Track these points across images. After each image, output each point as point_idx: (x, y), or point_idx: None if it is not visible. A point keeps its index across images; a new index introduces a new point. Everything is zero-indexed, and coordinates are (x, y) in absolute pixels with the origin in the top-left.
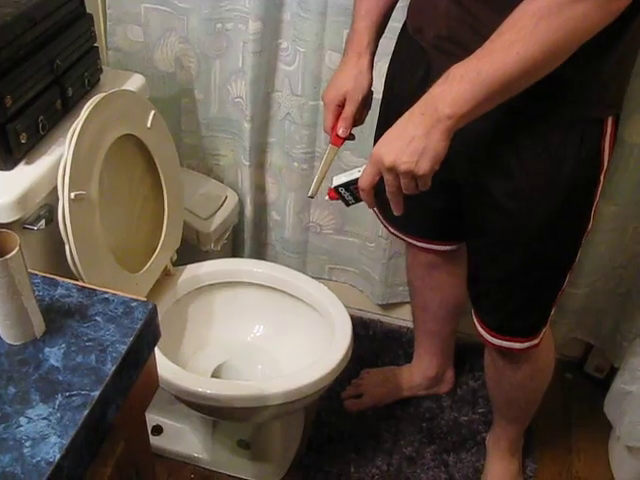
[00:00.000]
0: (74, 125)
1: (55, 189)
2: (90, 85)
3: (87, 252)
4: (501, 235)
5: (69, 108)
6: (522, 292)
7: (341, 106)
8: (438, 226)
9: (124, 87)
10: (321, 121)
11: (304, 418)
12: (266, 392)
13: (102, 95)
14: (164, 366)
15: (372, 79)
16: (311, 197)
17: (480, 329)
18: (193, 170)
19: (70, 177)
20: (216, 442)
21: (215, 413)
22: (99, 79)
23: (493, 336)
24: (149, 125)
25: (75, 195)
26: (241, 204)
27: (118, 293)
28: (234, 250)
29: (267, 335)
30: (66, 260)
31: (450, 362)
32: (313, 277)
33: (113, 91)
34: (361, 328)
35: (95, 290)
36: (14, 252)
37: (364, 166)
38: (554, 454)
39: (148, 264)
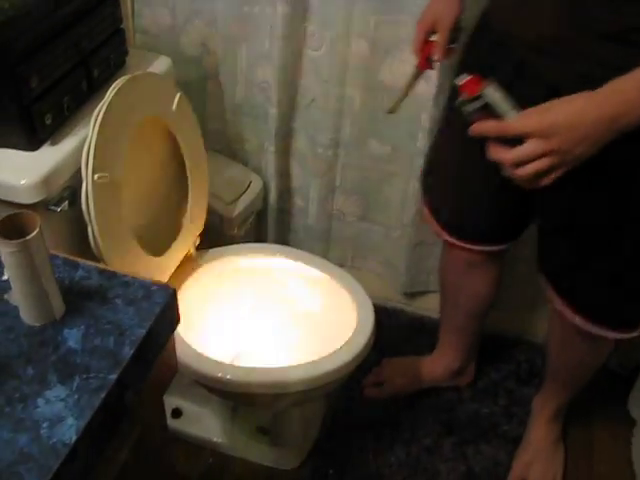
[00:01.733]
0: (99, 106)
1: (79, 171)
2: (116, 67)
3: (109, 234)
4: (614, 217)
5: (95, 89)
6: (634, 281)
7: (433, 32)
8: (501, 226)
9: (150, 69)
10: (347, 109)
11: (324, 405)
12: (287, 379)
13: (128, 77)
14: (184, 350)
15: (462, 9)
16: (389, 112)
17: (572, 316)
18: (218, 153)
19: (94, 159)
20: (235, 427)
21: (234, 398)
22: (125, 61)
23: (590, 324)
24: (174, 108)
25: (99, 177)
26: (265, 189)
27: (138, 277)
28: (257, 235)
29: (288, 320)
30: (89, 242)
31: (474, 356)
32: (336, 264)
33: (139, 73)
34: (384, 317)
35: (115, 273)
36: (34, 233)
37: (513, 111)
38: (575, 450)
39: (171, 248)
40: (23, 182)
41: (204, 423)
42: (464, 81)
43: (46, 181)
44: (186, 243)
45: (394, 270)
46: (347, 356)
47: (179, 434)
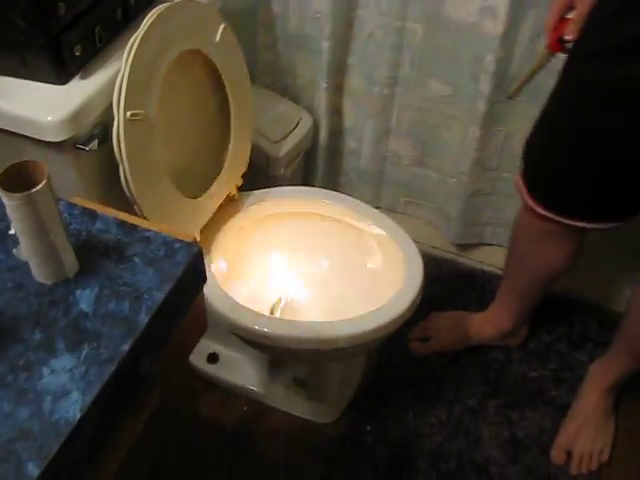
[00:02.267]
0: (133, 38)
1: (111, 107)
2: None
3: (143, 176)
4: None
5: (130, 18)
6: None
7: (569, 7)
8: (622, 202)
9: None
10: (407, 43)
11: (365, 358)
12: (326, 336)
13: (167, 5)
14: (219, 297)
15: None
16: (509, 97)
17: None
18: (267, 89)
19: (127, 95)
20: (272, 377)
21: (271, 352)
22: None
23: None
24: (218, 39)
25: (131, 114)
26: (315, 128)
27: (162, 231)
28: (305, 177)
29: (332, 271)
30: (121, 184)
31: (529, 319)
32: (387, 210)
33: (179, 1)
34: (433, 267)
35: (136, 227)
36: (41, 185)
37: None
38: (627, 424)
39: (210, 189)
40: (50, 118)
41: (240, 370)
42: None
43: (74, 118)
44: (228, 184)
45: (447, 219)
46: (392, 313)
47: (215, 380)
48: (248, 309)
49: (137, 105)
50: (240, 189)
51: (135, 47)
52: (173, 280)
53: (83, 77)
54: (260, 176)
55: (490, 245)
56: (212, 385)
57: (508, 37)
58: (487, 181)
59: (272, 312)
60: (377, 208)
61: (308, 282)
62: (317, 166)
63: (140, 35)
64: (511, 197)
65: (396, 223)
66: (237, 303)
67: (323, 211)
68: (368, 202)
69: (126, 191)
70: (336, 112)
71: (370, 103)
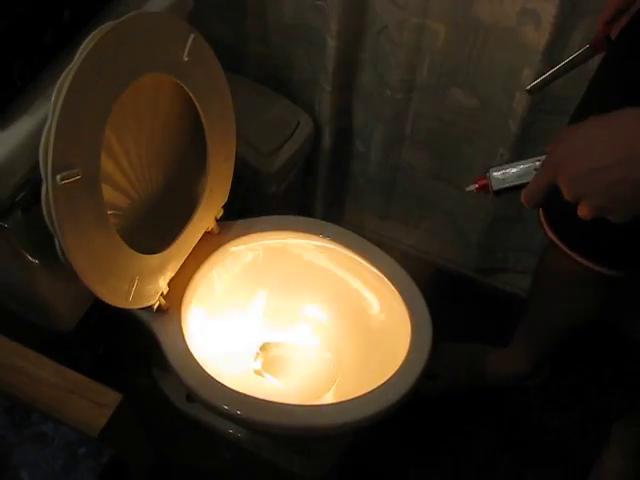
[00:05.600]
0: (64, 74)
1: (37, 164)
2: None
3: (85, 244)
4: None
5: (64, 41)
6: None
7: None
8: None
9: (154, 0)
10: (425, 45)
11: None
12: (312, 422)
13: (112, 24)
14: (191, 368)
15: None
16: (528, 92)
17: None
18: (258, 85)
19: (55, 153)
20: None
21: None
22: None
23: None
24: (186, 57)
25: (63, 177)
26: (317, 131)
27: (63, 423)
28: (304, 188)
29: (325, 324)
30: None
31: (551, 361)
32: (397, 221)
33: (129, 16)
34: (445, 285)
35: (29, 415)
36: None
37: (536, 164)
38: None
39: (182, 234)
40: None
41: None
42: (474, 188)
43: None
44: (204, 221)
45: (465, 241)
46: (391, 396)
47: (194, 421)
48: (220, 384)
49: (71, 163)
50: (221, 219)
51: (67, 86)
52: None
53: None
54: (247, 194)
55: (515, 272)
56: (190, 426)
57: (552, 49)
58: (513, 206)
59: (254, 368)
60: (386, 218)
61: (299, 324)
62: (318, 176)
63: (74, 69)
64: None
65: (404, 271)
66: (209, 377)
67: (318, 247)
68: (377, 211)
69: (64, 264)
70: (342, 112)
71: (381, 106)
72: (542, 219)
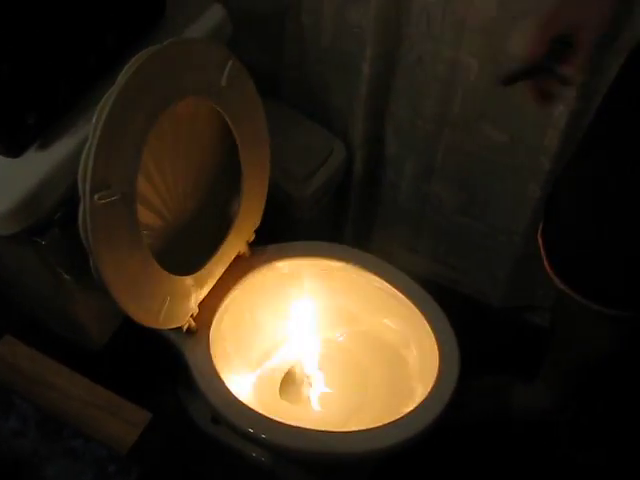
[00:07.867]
0: (105, 97)
1: (76, 183)
2: (148, 23)
3: (120, 264)
4: None
5: (108, 65)
6: None
7: None
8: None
9: (194, 26)
10: (459, 78)
11: None
12: (334, 449)
13: (154, 49)
14: (213, 390)
15: None
16: (503, 83)
17: None
18: (294, 111)
19: (94, 173)
20: None
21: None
22: (163, 10)
23: None
24: (224, 82)
25: (100, 197)
26: (350, 157)
27: (93, 440)
28: (333, 216)
29: (353, 342)
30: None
31: (578, 394)
32: (425, 253)
33: (169, 42)
34: (474, 318)
35: (61, 429)
36: None
37: None
38: None
39: (214, 257)
40: None
41: None
42: None
43: (26, 205)
44: (236, 245)
45: (492, 278)
46: (419, 424)
47: (218, 443)
48: (245, 407)
49: (109, 184)
50: (252, 244)
51: (107, 109)
52: None
53: (42, 147)
54: (279, 217)
55: (544, 308)
56: (214, 449)
57: (588, 87)
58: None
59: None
60: (414, 249)
61: (325, 359)
62: (349, 203)
63: (115, 93)
64: None
65: (434, 302)
66: (233, 398)
67: (348, 275)
68: (405, 244)
69: (99, 284)
70: (375, 139)
71: (412, 136)
72: (549, 270)
